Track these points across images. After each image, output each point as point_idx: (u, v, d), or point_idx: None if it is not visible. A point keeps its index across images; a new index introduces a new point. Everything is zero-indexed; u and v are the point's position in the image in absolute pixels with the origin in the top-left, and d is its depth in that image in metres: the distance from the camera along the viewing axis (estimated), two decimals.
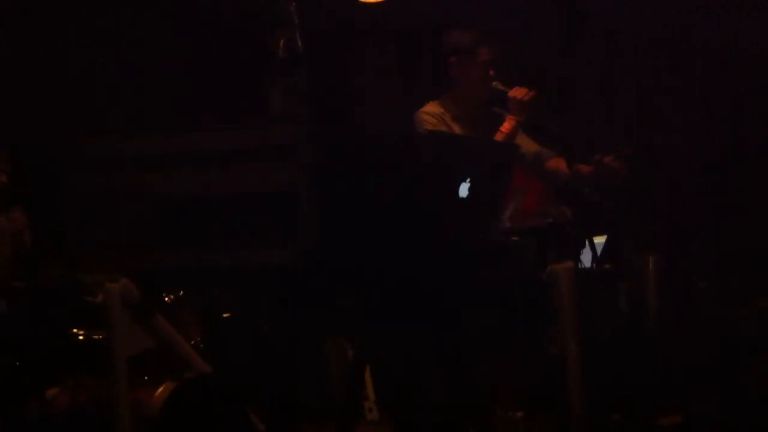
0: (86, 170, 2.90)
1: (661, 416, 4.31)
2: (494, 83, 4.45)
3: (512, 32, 5.81)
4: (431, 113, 4.47)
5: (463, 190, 3.02)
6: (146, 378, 3.80)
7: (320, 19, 5.36)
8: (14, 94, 5.55)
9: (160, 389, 3.71)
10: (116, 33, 5.88)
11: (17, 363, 3.89)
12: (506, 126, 4.40)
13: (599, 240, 4.30)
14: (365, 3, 5.81)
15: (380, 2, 5.78)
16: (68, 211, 2.93)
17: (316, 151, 2.63)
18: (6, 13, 5.53)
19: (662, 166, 6.40)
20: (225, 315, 4.54)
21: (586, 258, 4.09)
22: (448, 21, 5.30)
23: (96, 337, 3.88)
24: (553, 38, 6.37)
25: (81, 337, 3.92)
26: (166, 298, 4.13)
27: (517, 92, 4.39)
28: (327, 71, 5.48)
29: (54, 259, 4.05)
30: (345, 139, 2.77)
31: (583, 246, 4.13)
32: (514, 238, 3.63)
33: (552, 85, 6.24)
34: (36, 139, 5.32)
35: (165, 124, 4.75)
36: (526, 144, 4.52)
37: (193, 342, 4.16)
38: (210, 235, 2.73)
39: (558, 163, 4.55)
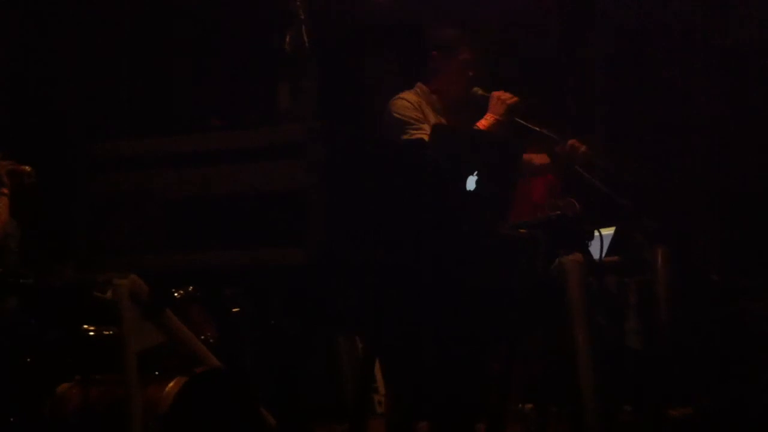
0: (95, 171, 2.91)
1: (672, 408, 4.31)
2: (474, 89, 4.46)
3: (512, 27, 5.83)
4: (409, 99, 4.48)
5: (471, 183, 3.02)
6: (157, 374, 3.81)
7: (330, 16, 5.38)
8: (19, 95, 5.55)
9: (171, 384, 3.72)
10: (121, 32, 5.88)
11: (28, 360, 3.91)
12: (482, 123, 4.39)
13: (607, 232, 4.29)
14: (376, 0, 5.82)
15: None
16: (77, 212, 2.94)
17: (325, 149, 2.63)
18: (7, 12, 5.53)
19: (675, 159, 6.39)
20: (234, 310, 4.55)
21: (594, 250, 4.08)
22: (457, 18, 5.31)
23: (106, 333, 3.91)
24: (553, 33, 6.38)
25: (91, 334, 3.94)
26: (176, 294, 4.14)
27: (501, 93, 4.41)
28: (336, 69, 5.48)
29: (64, 260, 4.06)
30: (354, 137, 2.77)
31: (592, 238, 4.12)
32: (523, 231, 3.62)
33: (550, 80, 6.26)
34: (42, 141, 5.32)
35: (172, 125, 4.76)
36: None
37: (203, 337, 4.17)
38: (219, 234, 2.74)
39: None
